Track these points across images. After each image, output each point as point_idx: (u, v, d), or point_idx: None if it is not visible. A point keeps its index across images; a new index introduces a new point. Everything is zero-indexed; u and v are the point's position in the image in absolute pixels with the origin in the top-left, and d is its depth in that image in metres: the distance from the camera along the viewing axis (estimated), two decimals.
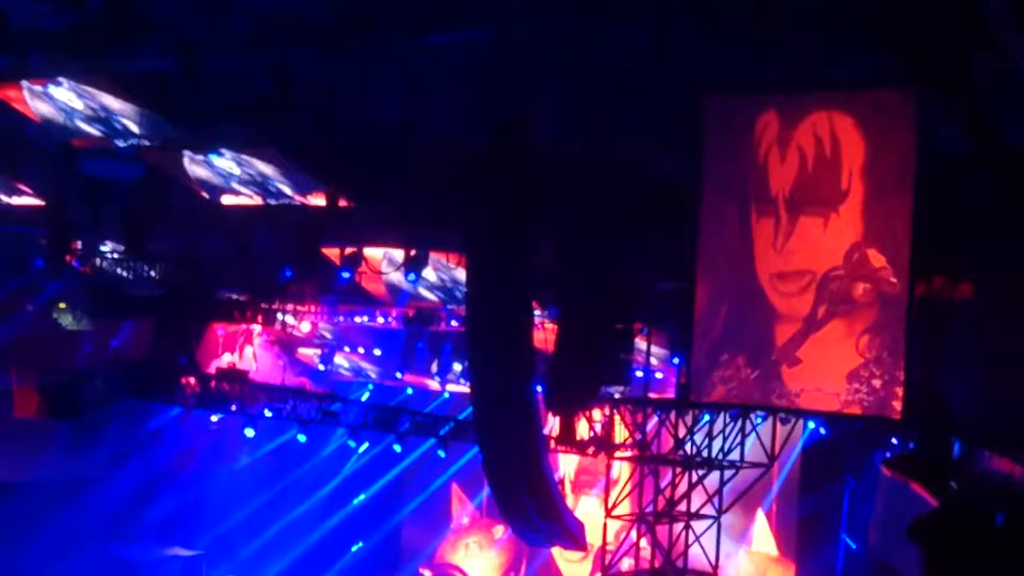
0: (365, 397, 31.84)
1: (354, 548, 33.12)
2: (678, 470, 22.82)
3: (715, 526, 23.33)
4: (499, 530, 31.39)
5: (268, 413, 28.23)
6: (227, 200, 23.24)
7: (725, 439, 22.33)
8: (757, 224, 17.62)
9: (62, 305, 28.69)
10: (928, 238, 16.50)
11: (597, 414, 23.75)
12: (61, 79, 19.77)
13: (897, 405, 17.09)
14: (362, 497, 33.43)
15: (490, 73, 15.97)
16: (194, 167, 22.48)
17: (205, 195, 22.94)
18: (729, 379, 18.28)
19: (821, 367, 17.57)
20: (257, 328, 30.90)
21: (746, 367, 18.14)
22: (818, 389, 17.59)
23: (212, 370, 29.48)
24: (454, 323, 27.58)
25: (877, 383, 17.09)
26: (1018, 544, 15.27)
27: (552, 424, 24.67)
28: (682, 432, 22.50)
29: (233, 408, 28.31)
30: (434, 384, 30.72)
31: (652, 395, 24.22)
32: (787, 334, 17.76)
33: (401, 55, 16.28)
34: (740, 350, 18.13)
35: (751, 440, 22.85)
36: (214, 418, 29.77)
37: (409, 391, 31.77)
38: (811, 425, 25.32)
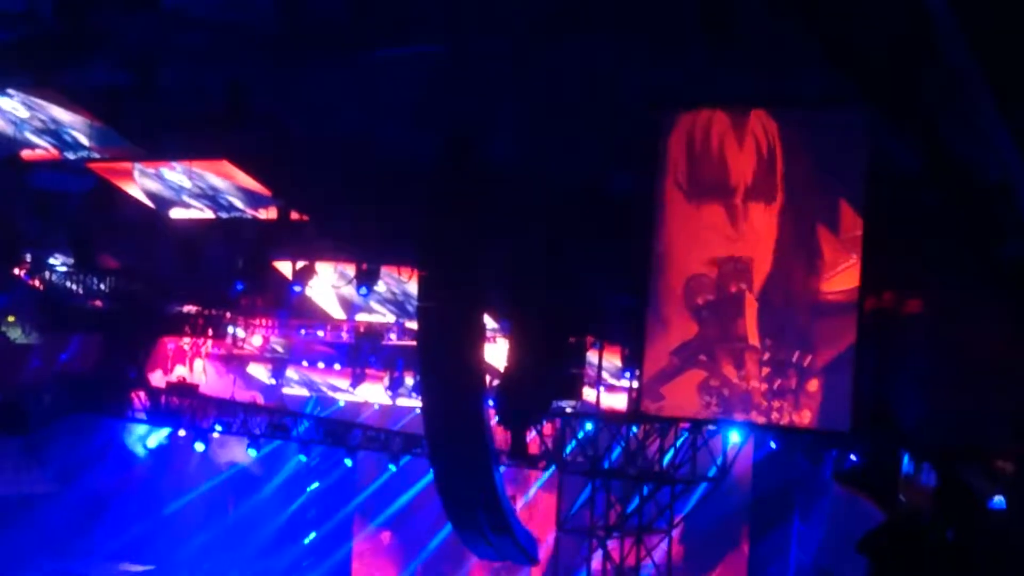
0: (316, 411, 31.78)
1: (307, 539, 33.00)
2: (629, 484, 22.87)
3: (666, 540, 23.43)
4: None
5: (218, 428, 28.11)
6: (178, 213, 23.12)
7: (677, 453, 22.38)
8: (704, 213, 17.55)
9: (11, 319, 28.37)
10: (878, 252, 16.62)
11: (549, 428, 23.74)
12: (10, 91, 19.61)
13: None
14: (315, 485, 33.26)
15: (443, 87, 15.97)
16: (144, 180, 22.35)
17: (154, 208, 22.81)
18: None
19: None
20: (208, 342, 30.72)
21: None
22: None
23: (162, 384, 29.30)
24: (406, 338, 27.53)
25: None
26: (963, 557, 15.44)
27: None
28: (634, 446, 22.55)
29: (183, 425, 28.18)
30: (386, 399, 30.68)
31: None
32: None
33: (354, 69, 16.24)
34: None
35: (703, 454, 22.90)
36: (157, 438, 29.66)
37: (376, 405, 31.65)
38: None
